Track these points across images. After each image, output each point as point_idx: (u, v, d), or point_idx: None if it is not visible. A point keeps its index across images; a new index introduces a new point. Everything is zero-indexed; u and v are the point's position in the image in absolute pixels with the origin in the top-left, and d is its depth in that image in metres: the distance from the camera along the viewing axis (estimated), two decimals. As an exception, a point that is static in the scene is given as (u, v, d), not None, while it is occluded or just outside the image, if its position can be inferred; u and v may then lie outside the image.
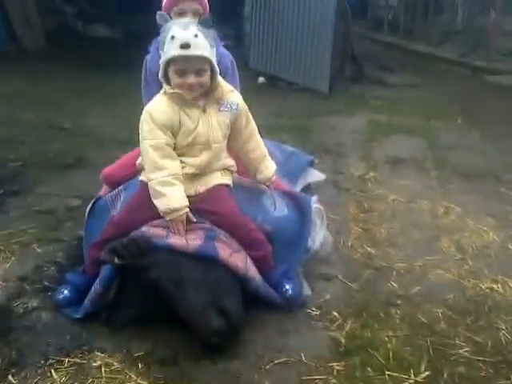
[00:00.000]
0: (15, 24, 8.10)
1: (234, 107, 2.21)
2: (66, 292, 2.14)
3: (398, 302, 2.29)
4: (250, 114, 2.29)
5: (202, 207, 2.14)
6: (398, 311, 2.22)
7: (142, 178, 2.20)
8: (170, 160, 2.10)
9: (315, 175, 3.21)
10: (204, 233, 2.08)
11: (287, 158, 3.12)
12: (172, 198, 2.06)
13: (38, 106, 5.23)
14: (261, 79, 7.16)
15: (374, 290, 2.37)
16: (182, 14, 2.44)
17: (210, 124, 2.16)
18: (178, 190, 2.08)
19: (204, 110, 2.15)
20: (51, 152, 4.00)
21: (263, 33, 7.30)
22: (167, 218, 2.08)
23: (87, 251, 2.22)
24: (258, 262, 2.16)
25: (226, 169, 2.27)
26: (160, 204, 2.07)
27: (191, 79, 2.07)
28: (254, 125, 2.32)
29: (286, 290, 2.19)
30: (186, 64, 2.05)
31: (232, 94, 2.22)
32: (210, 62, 2.08)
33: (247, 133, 2.30)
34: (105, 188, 2.54)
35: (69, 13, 10.01)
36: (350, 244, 2.77)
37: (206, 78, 2.10)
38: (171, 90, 2.09)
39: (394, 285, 2.42)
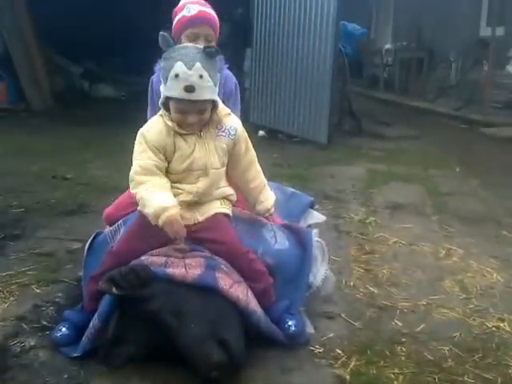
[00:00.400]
0: (24, 85, 8.35)
1: (232, 132, 2.19)
2: (64, 330, 2.09)
3: (403, 339, 2.24)
4: (249, 140, 2.27)
5: (202, 236, 2.12)
6: (404, 349, 2.17)
7: (139, 207, 2.18)
8: (158, 177, 2.08)
9: (316, 217, 3.20)
10: (205, 261, 2.06)
11: (288, 199, 3.11)
12: (159, 199, 2.02)
13: (43, 159, 5.31)
14: (261, 133, 7.26)
15: (378, 329, 2.33)
16: (194, 38, 2.42)
17: (207, 149, 2.14)
18: (165, 194, 2.05)
19: (200, 136, 2.14)
20: (53, 199, 4.02)
21: (262, 88, 7.46)
22: (160, 223, 2.02)
23: (86, 285, 2.20)
24: (259, 296, 2.12)
25: (225, 198, 2.25)
26: (148, 209, 2.03)
27: (192, 119, 2.07)
28: (253, 152, 2.31)
29: (289, 326, 2.14)
30: (189, 106, 2.04)
31: (229, 118, 2.21)
32: (212, 100, 2.09)
33: (247, 160, 2.28)
34: (108, 228, 2.54)
35: (75, 73, 10.26)
36: (352, 284, 2.74)
37: (206, 115, 2.11)
38: (169, 122, 2.08)
39: (399, 323, 2.38)
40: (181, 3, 2.54)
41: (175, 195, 2.11)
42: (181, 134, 2.11)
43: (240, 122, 2.27)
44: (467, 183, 4.95)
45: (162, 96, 2.10)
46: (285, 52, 7.00)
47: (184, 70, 1.98)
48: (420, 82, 10.74)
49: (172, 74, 2.00)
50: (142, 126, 2.47)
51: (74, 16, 10.29)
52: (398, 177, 5.08)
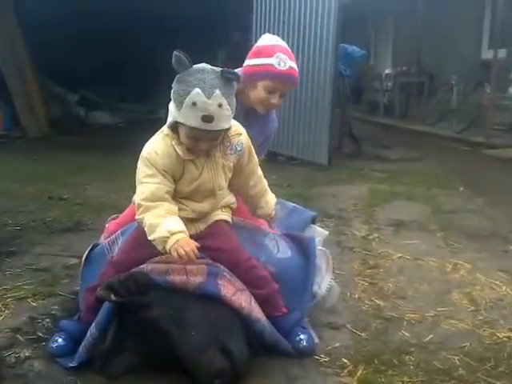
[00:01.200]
0: (20, 112, 8.42)
1: (238, 148, 2.10)
2: (60, 340, 2.02)
3: (412, 349, 2.16)
4: (252, 148, 2.19)
5: (203, 243, 2.05)
6: (412, 358, 2.09)
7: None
8: (167, 202, 1.98)
9: (318, 232, 3.13)
10: (207, 268, 1.99)
11: (288, 214, 3.05)
12: (167, 224, 1.91)
13: (40, 181, 5.28)
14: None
15: (385, 339, 2.25)
16: (271, 91, 2.33)
17: (215, 170, 2.06)
18: (173, 219, 1.94)
19: (208, 155, 2.04)
20: (50, 218, 3.97)
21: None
22: (167, 247, 1.90)
23: (83, 296, 2.13)
24: (264, 303, 2.05)
25: (226, 205, 2.20)
26: (155, 234, 1.91)
27: (205, 146, 1.97)
28: (255, 160, 2.23)
29: (301, 340, 2.07)
30: (203, 135, 1.92)
31: (238, 137, 2.10)
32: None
33: (249, 169, 2.21)
34: (104, 236, 2.48)
35: (71, 101, 10.33)
36: (356, 296, 2.67)
37: (219, 141, 2.01)
38: (178, 149, 1.96)
39: (406, 334, 2.30)
40: (267, 42, 2.39)
41: (178, 210, 2.04)
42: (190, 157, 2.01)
43: (245, 132, 2.15)
44: (472, 202, 4.89)
45: (171, 117, 1.96)
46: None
47: (203, 100, 1.83)
48: (420, 106, 10.77)
49: (188, 101, 1.85)
50: (139, 152, 2.21)
51: (71, 45, 10.41)
52: (400, 196, 5.02)
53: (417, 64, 11.16)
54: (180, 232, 1.93)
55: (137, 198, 2.00)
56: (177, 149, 1.96)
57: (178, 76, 1.90)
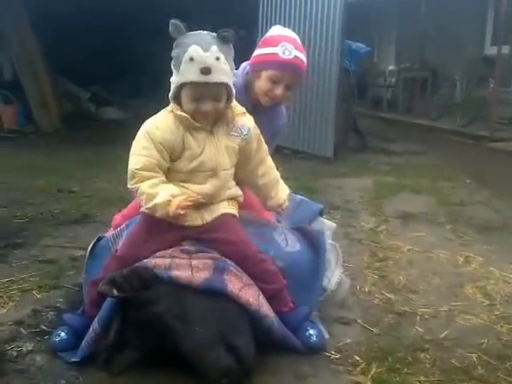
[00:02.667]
0: (33, 108, 8.42)
1: (244, 132, 2.04)
2: (62, 334, 1.96)
3: (427, 346, 2.09)
4: (261, 137, 2.14)
5: (210, 236, 2.00)
6: (428, 356, 2.02)
7: (143, 208, 2.05)
8: (162, 176, 1.97)
9: (326, 225, 3.06)
10: (213, 263, 1.92)
11: (296, 207, 2.98)
12: (168, 189, 1.91)
13: (49, 175, 5.23)
14: (265, 149, 7.16)
15: (398, 335, 2.18)
16: (276, 81, 2.26)
17: (217, 148, 2.00)
18: (172, 186, 1.94)
19: (211, 132, 2.00)
20: (58, 210, 3.93)
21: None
22: (171, 209, 1.88)
23: (87, 289, 2.07)
24: (272, 298, 1.98)
25: (232, 198, 2.13)
26: (157, 200, 1.90)
27: (208, 106, 1.91)
28: (264, 148, 2.17)
29: (310, 335, 2.00)
30: (204, 90, 1.89)
31: (243, 117, 2.06)
32: (228, 86, 1.94)
33: (257, 158, 2.15)
34: (111, 230, 2.42)
35: (83, 97, 10.32)
36: (367, 290, 2.61)
37: (221, 104, 1.95)
38: (181, 113, 1.93)
39: (420, 329, 2.23)
40: (274, 32, 2.34)
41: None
42: (190, 131, 1.96)
43: (252, 119, 2.11)
44: (479, 194, 4.82)
45: (172, 87, 1.93)
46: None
47: (199, 53, 1.83)
48: (424, 101, 10.68)
49: (186, 57, 1.84)
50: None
51: (83, 44, 10.45)
52: (407, 188, 4.96)
53: (420, 60, 11.04)
54: (182, 195, 1.92)
55: (131, 167, 1.96)
56: (181, 113, 1.93)
57: (175, 42, 1.91)
